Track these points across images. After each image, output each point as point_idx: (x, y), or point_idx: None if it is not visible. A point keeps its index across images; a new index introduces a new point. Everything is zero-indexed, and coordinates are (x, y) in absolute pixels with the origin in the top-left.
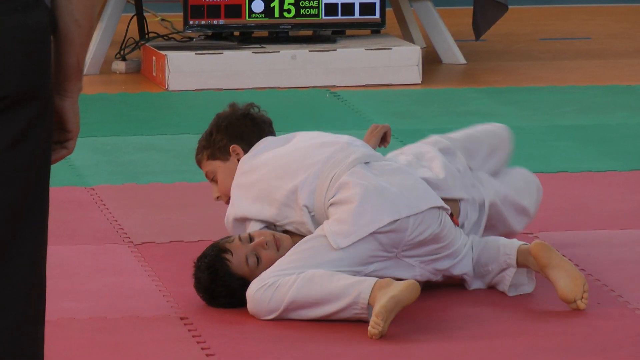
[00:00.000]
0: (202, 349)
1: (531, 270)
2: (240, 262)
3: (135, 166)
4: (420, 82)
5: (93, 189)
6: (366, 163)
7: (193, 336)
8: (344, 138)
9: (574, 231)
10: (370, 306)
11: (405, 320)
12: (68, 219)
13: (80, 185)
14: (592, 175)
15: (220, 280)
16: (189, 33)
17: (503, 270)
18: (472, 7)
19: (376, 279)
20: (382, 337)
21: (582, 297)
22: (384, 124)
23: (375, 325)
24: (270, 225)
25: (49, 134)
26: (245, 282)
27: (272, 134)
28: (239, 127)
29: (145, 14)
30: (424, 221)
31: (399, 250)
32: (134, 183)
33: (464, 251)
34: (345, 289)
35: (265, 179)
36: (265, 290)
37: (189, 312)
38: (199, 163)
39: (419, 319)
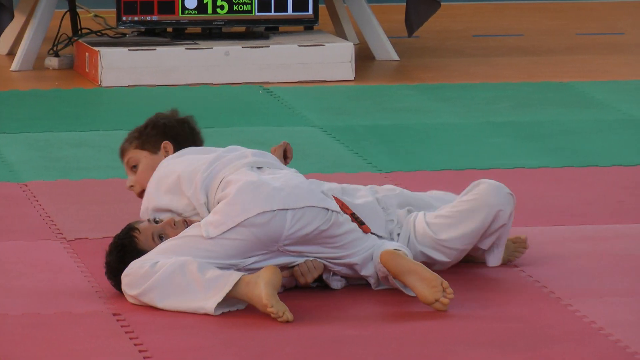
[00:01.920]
0: (135, 344)
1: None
2: (147, 240)
3: (68, 162)
4: (353, 79)
5: (26, 185)
6: (258, 168)
7: (126, 332)
8: (253, 151)
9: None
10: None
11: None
12: (0, 215)
13: (13, 181)
14: (525, 172)
15: (129, 257)
16: (122, 29)
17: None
18: (404, 4)
19: (242, 273)
20: (285, 318)
21: (445, 295)
22: (281, 142)
23: (276, 313)
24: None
25: None
26: None
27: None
28: (175, 129)
29: (78, 9)
30: (303, 217)
31: (280, 245)
32: (67, 179)
33: (365, 254)
34: (210, 281)
35: (179, 174)
36: (142, 265)
37: (121, 308)
38: (123, 151)
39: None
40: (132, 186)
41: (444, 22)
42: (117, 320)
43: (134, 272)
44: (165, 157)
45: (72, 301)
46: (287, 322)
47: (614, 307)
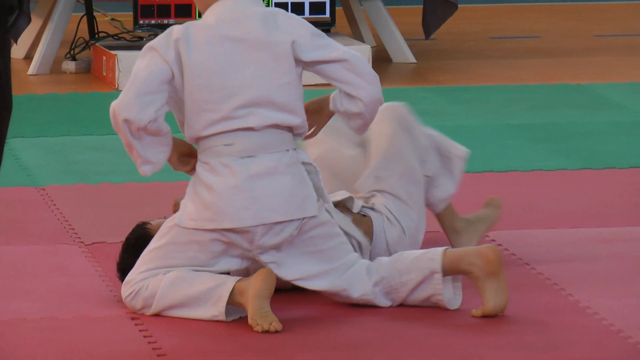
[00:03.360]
0: (153, 348)
1: (457, 281)
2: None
3: (86, 166)
4: None
5: (44, 189)
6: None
7: (144, 336)
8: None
9: (524, 230)
10: (230, 306)
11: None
12: (19, 219)
13: (31, 185)
14: (543, 174)
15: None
16: (139, 32)
17: (424, 280)
18: (422, 6)
19: (235, 280)
20: (273, 328)
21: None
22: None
23: (257, 326)
24: None
25: None
26: None
27: None
28: None
29: (95, 13)
30: (272, 229)
31: (254, 249)
32: (85, 183)
33: (350, 270)
34: (205, 294)
35: None
36: (133, 298)
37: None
38: None
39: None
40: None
41: (461, 24)
42: (135, 325)
43: (131, 306)
44: None
45: (89, 305)
46: (277, 331)
47: (633, 309)
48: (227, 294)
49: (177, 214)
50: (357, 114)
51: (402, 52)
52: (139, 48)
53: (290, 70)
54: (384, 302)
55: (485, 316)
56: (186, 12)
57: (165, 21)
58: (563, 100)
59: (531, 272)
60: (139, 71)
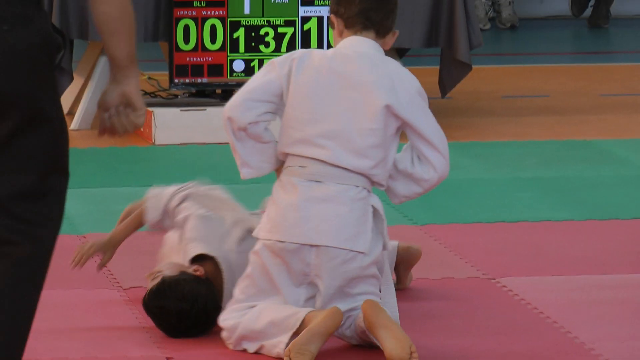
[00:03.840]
0: None
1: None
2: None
3: None
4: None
5: (84, 237)
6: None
7: None
8: None
9: (534, 276)
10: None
11: None
12: (61, 265)
13: (73, 233)
14: (551, 224)
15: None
16: (174, 91)
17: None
18: (438, 67)
19: (308, 310)
20: None
21: (411, 357)
22: None
23: (285, 358)
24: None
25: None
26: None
27: None
28: None
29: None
30: (323, 254)
31: (311, 272)
32: None
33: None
34: (281, 321)
35: None
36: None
37: (174, 352)
38: None
39: None
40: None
41: (474, 84)
42: None
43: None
44: None
45: (127, 345)
46: None
47: (635, 352)
48: (298, 323)
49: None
50: (426, 180)
51: None
52: (174, 105)
53: (377, 118)
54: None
55: None
56: (218, 72)
57: (199, 80)
58: (570, 155)
59: (540, 316)
60: (253, 79)
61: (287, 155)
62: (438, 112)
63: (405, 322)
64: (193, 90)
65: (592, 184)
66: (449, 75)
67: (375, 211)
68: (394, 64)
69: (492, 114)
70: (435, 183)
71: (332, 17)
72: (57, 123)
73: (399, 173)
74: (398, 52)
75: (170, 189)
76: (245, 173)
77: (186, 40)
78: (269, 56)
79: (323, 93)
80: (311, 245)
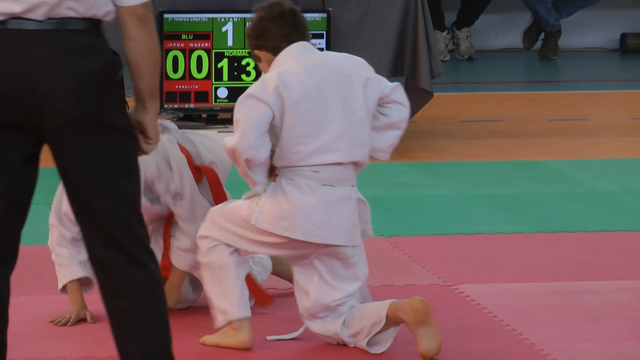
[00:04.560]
0: None
1: (395, 329)
2: None
3: None
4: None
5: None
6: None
7: None
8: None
9: (489, 284)
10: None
11: None
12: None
13: None
14: (504, 237)
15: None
16: (164, 115)
17: (374, 324)
18: None
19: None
20: None
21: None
22: None
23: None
24: None
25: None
26: None
27: None
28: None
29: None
30: (333, 249)
31: (310, 256)
32: None
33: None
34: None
35: None
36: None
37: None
38: None
39: None
40: None
41: (436, 109)
42: None
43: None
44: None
45: None
46: None
47: (581, 352)
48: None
49: (250, 212)
50: (402, 119)
51: None
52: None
53: (362, 104)
54: (349, 341)
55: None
56: (204, 98)
57: (186, 105)
58: (521, 174)
59: (494, 320)
60: (248, 117)
61: (291, 167)
62: (403, 135)
63: None
64: (181, 114)
65: (541, 201)
66: (412, 101)
67: (360, 201)
68: (335, 53)
69: (451, 137)
70: (408, 117)
71: (257, 52)
72: (128, 131)
73: (377, 130)
74: None
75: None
76: (259, 188)
77: (175, 69)
78: (250, 83)
79: (319, 102)
80: (328, 245)
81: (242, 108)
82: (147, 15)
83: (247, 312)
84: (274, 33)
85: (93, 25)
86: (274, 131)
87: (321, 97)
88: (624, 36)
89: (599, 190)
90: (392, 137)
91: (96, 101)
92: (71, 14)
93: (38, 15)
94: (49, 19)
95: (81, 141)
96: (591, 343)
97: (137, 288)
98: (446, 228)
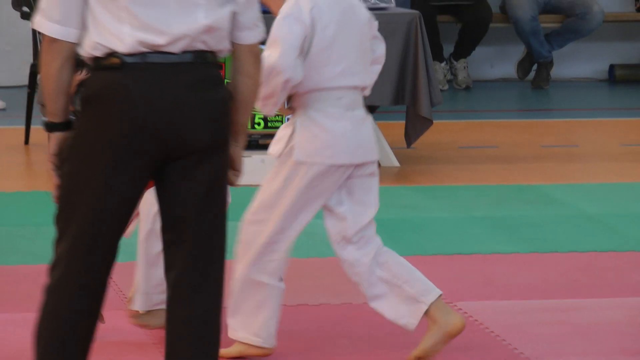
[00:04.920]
0: None
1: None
2: None
3: None
4: None
5: None
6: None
7: None
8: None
9: (486, 301)
10: None
11: None
12: None
13: None
14: (500, 256)
15: None
16: None
17: (410, 298)
18: (404, 121)
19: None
20: None
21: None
22: None
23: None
24: None
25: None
26: None
27: None
28: None
29: None
30: (366, 166)
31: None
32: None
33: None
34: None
35: None
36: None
37: None
38: None
39: None
40: None
41: (435, 136)
42: None
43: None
44: None
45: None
46: None
47: None
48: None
49: (286, 151)
50: (382, 54)
51: (388, 158)
52: None
53: (368, 35)
54: (374, 286)
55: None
56: None
57: None
58: (516, 197)
59: (491, 335)
60: (287, 36)
61: (320, 90)
62: (404, 160)
63: (377, 339)
64: None
65: (535, 222)
66: (413, 128)
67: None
68: None
69: (450, 162)
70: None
71: None
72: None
73: None
74: (369, 109)
75: None
76: (270, 112)
77: None
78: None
79: (342, 28)
80: (360, 164)
81: (281, 28)
82: (261, 52)
83: (273, 343)
84: None
85: (215, 58)
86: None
87: (344, 24)
88: (612, 67)
89: (589, 212)
90: (375, 72)
91: (223, 128)
92: (203, 47)
93: (177, 48)
94: (185, 52)
95: (202, 165)
96: (582, 357)
97: (202, 313)
98: (445, 248)
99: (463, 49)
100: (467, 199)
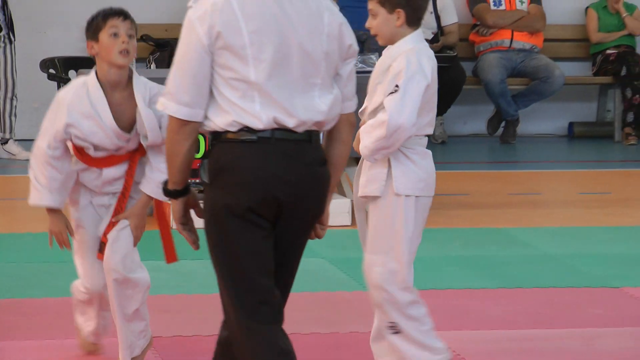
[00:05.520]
0: None
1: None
2: None
3: None
4: (350, 224)
5: None
6: None
7: None
8: None
9: (458, 331)
10: None
11: None
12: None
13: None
14: (471, 291)
15: None
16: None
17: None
18: None
19: None
20: None
21: None
22: None
23: None
24: None
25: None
26: None
27: None
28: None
29: None
30: None
31: None
32: None
33: None
34: None
35: None
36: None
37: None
38: None
39: None
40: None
41: None
42: None
43: None
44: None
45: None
46: None
47: None
48: None
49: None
50: None
51: None
52: None
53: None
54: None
55: None
56: None
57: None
58: (486, 239)
59: None
60: (416, 96)
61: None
62: None
63: None
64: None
65: (502, 261)
66: None
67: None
68: None
69: None
70: None
71: (399, 10)
72: None
73: None
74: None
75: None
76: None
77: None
78: None
79: (433, 84)
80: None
81: (411, 83)
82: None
83: None
84: (425, 8)
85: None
86: None
87: (433, 80)
88: (571, 124)
89: (550, 253)
90: None
91: (325, 200)
92: (315, 128)
93: (300, 129)
94: (304, 132)
95: (305, 225)
96: None
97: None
98: (422, 284)
99: (439, 108)
100: (442, 240)
